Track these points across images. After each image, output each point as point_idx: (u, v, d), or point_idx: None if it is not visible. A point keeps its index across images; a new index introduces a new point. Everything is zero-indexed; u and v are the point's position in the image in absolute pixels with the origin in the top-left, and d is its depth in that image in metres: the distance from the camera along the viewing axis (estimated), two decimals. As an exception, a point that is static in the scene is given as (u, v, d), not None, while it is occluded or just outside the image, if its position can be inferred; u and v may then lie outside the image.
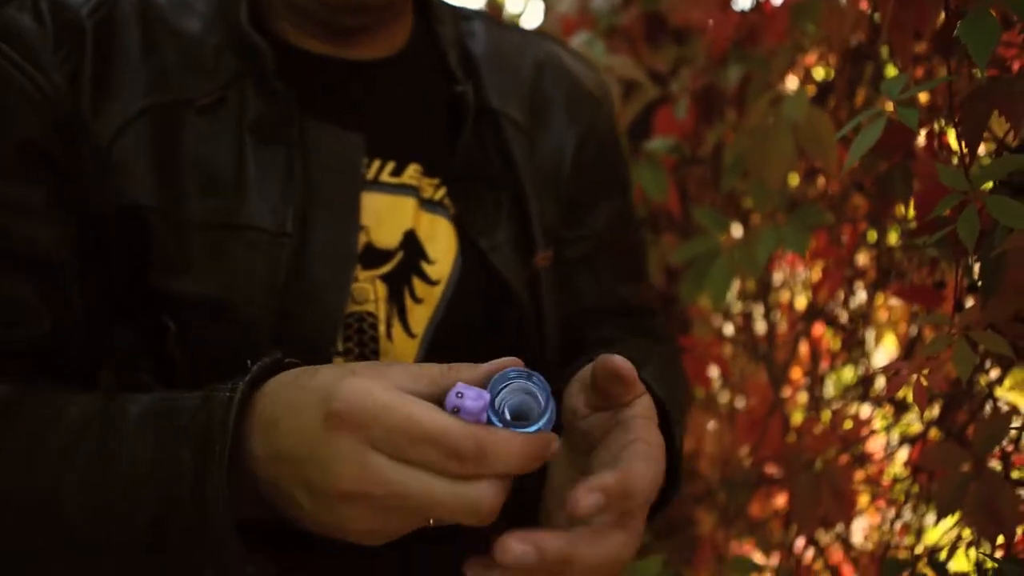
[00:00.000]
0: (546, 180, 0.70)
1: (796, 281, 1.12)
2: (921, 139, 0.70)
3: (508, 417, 0.44)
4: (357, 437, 0.42)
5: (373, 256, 0.62)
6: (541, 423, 0.45)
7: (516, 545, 0.42)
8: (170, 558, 0.47)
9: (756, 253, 0.84)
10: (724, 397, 1.14)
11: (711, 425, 1.08)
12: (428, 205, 0.65)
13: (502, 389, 0.45)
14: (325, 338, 0.59)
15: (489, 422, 0.44)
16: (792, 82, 0.96)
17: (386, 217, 0.63)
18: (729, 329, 1.19)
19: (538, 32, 0.79)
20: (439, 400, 0.44)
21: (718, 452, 1.09)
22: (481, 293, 0.65)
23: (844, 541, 1.01)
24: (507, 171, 0.68)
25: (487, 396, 0.44)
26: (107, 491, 0.48)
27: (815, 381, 1.04)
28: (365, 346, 0.62)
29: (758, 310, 1.15)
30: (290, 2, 0.62)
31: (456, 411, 0.43)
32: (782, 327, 1.14)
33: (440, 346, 0.64)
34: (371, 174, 0.63)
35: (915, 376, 0.53)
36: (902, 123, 0.58)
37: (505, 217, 0.67)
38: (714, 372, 1.16)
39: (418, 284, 0.63)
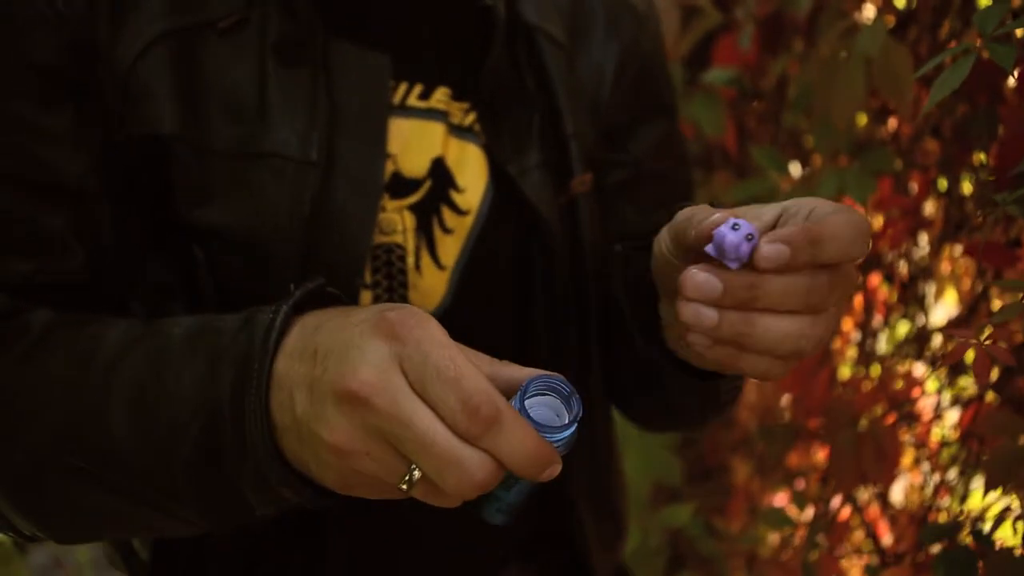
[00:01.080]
0: (585, 100, 0.66)
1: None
2: (1012, 80, 0.63)
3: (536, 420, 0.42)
4: (393, 349, 0.41)
5: (400, 185, 0.60)
6: (561, 437, 0.42)
7: (699, 274, 0.41)
8: (210, 479, 0.47)
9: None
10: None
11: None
12: (458, 131, 0.62)
13: (536, 394, 0.43)
14: (352, 270, 0.57)
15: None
16: (870, 11, 0.88)
17: (414, 144, 0.60)
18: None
19: None
20: None
21: (759, 401, 1.06)
22: (512, 223, 0.62)
23: (882, 499, 0.98)
24: (542, 91, 0.63)
25: (754, 238, 0.41)
26: (153, 408, 0.48)
27: (867, 334, 0.99)
28: (394, 278, 0.60)
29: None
30: None
31: (720, 240, 0.41)
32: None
33: (471, 279, 0.61)
34: (398, 98, 0.60)
35: (975, 343, 0.49)
36: (991, 61, 0.52)
37: (537, 140, 0.63)
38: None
39: (447, 214, 0.61)
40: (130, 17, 0.55)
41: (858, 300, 1.04)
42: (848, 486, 0.88)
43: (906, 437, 0.94)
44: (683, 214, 0.47)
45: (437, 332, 0.41)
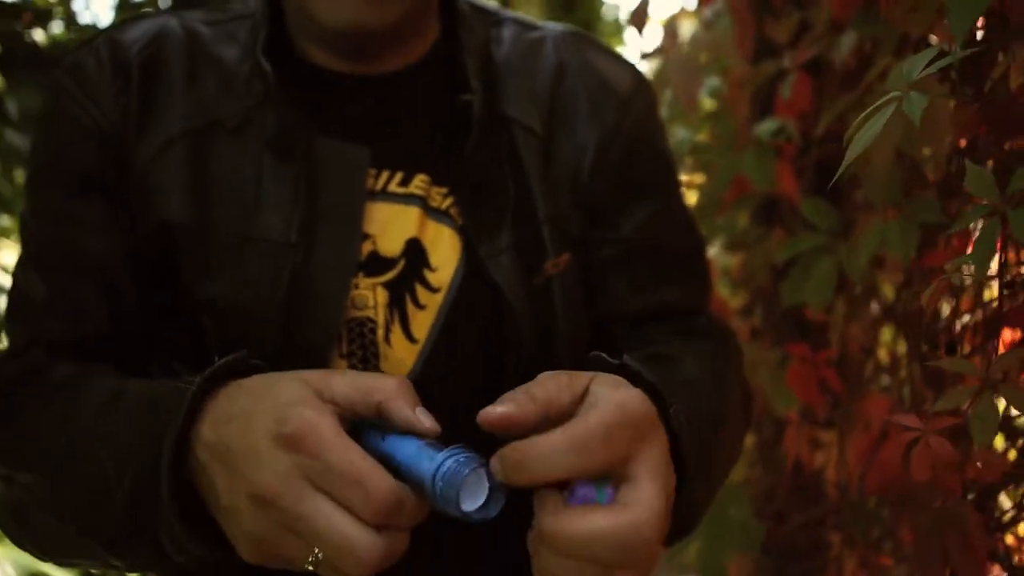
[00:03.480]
0: (565, 183, 0.68)
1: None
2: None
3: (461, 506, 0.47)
4: (293, 459, 0.47)
5: (377, 264, 0.64)
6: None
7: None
8: (139, 524, 0.52)
9: (859, 253, 0.72)
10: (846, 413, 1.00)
11: (831, 445, 0.95)
12: (434, 214, 0.65)
13: (468, 473, 0.47)
14: (325, 342, 0.61)
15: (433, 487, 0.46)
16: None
17: (390, 226, 0.64)
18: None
19: (570, 31, 0.75)
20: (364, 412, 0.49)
21: (844, 475, 0.96)
22: (480, 301, 0.64)
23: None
24: (517, 178, 0.66)
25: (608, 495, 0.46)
26: (105, 456, 0.54)
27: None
28: (367, 349, 0.63)
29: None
30: (306, 27, 0.66)
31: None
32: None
33: (442, 351, 0.64)
34: (379, 185, 0.65)
35: (920, 431, 0.42)
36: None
37: (510, 224, 0.65)
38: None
39: (421, 291, 0.64)
40: (154, 121, 0.64)
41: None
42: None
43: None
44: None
45: (328, 436, 0.47)
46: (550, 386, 0.48)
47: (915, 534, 0.77)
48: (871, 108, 0.44)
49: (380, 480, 0.45)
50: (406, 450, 0.48)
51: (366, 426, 0.50)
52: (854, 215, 0.89)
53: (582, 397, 0.49)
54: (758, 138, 0.89)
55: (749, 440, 1.26)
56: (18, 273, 0.68)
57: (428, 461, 0.46)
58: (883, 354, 0.99)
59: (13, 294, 0.68)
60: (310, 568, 0.47)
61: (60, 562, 0.62)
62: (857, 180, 0.89)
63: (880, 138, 0.69)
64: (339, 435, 0.47)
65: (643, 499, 0.45)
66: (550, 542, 0.45)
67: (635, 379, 0.52)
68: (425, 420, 0.48)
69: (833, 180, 0.46)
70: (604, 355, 0.54)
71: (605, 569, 0.45)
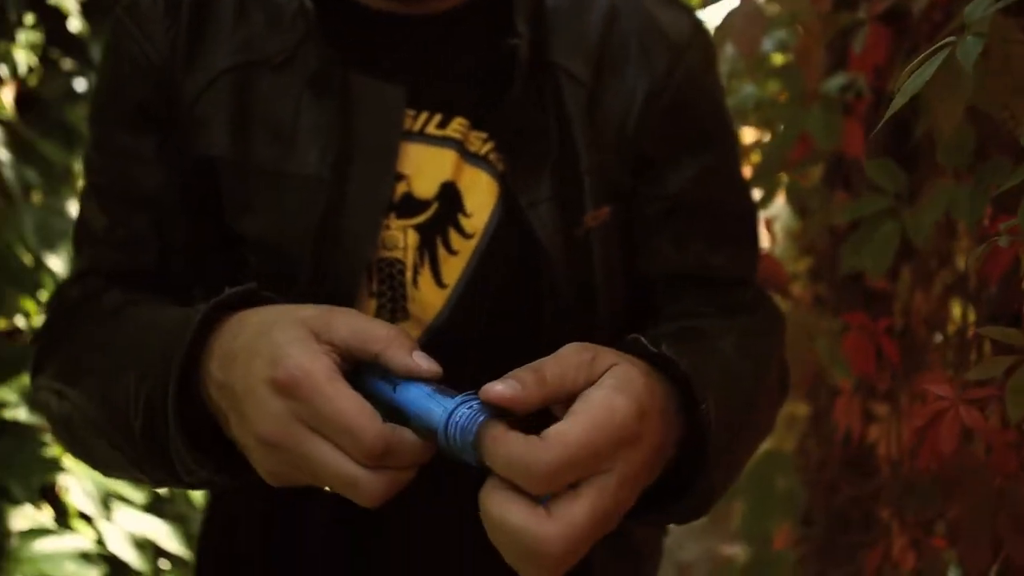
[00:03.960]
0: (610, 133, 0.65)
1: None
2: None
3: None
4: (287, 405, 0.47)
5: (410, 205, 0.63)
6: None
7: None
8: (153, 444, 0.53)
9: (923, 218, 0.68)
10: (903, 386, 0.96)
11: (885, 418, 0.92)
12: (472, 158, 0.64)
13: (483, 420, 0.45)
14: (353, 280, 0.62)
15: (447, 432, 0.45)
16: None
17: (426, 168, 0.64)
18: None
19: None
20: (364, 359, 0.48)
21: (896, 450, 0.93)
22: (515, 250, 0.63)
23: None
24: (560, 127, 0.64)
25: None
26: (131, 375, 0.55)
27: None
28: (395, 290, 0.63)
29: None
30: None
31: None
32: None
33: (471, 299, 0.63)
34: (417, 126, 0.64)
35: (949, 399, 0.39)
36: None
37: (550, 174, 0.64)
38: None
39: (454, 236, 0.64)
40: (201, 57, 0.65)
41: None
42: (979, 562, 0.74)
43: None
44: None
45: (320, 383, 0.46)
46: (570, 363, 0.46)
47: (964, 514, 0.73)
48: (925, 53, 0.41)
49: (367, 427, 0.45)
50: (413, 396, 0.47)
51: (370, 369, 0.49)
52: (928, 178, 0.84)
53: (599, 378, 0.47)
54: (825, 94, 0.84)
55: (803, 410, 1.23)
56: (83, 203, 0.71)
57: (440, 410, 0.45)
58: (952, 328, 0.94)
59: (78, 223, 0.71)
60: (328, 489, 0.48)
61: (106, 473, 0.65)
62: (933, 140, 0.83)
63: (947, 91, 0.64)
64: (330, 380, 0.46)
65: (567, 517, 0.43)
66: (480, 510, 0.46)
67: (668, 368, 0.50)
68: (423, 363, 0.47)
69: (874, 131, 0.43)
70: (644, 340, 0.51)
71: (512, 559, 0.44)
